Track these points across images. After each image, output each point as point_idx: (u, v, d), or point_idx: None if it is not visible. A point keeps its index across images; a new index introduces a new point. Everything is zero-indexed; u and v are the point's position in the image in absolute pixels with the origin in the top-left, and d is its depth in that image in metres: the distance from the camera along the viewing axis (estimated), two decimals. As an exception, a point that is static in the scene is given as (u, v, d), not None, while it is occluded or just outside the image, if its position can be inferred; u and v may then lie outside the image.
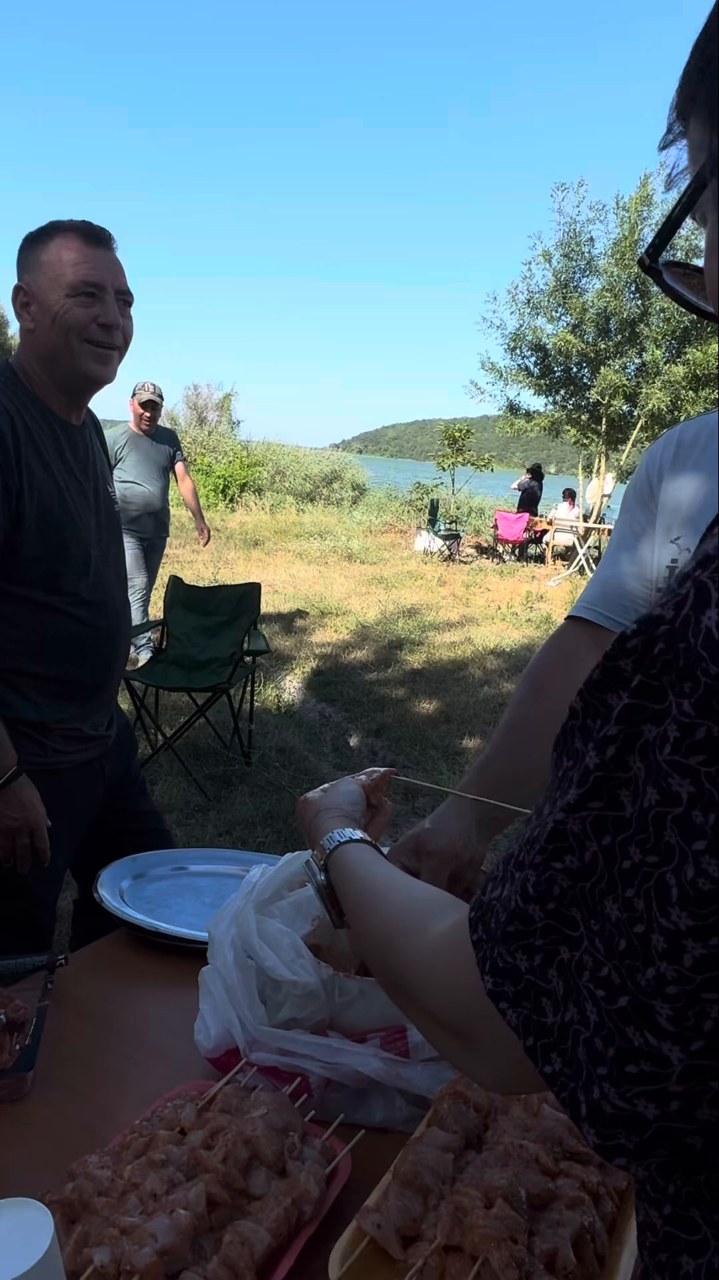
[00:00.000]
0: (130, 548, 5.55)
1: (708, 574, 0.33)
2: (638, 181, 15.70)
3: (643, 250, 0.53)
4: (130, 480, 5.73)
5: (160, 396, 5.70)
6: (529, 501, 15.09)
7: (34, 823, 1.50)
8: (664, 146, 0.47)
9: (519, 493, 15.37)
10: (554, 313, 16.72)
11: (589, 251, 16.38)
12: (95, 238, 1.50)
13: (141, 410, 5.64)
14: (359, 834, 0.79)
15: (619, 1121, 0.35)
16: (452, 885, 1.05)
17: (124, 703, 4.33)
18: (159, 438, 5.86)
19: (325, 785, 0.98)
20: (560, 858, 0.37)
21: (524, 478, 15.67)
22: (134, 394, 5.66)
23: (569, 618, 1.22)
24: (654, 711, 0.34)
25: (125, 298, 1.53)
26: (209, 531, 6.57)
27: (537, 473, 15.84)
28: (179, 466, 6.02)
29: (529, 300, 16.94)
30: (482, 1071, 0.47)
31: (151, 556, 6.13)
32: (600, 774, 0.35)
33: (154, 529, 5.95)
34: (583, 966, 0.36)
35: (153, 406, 5.63)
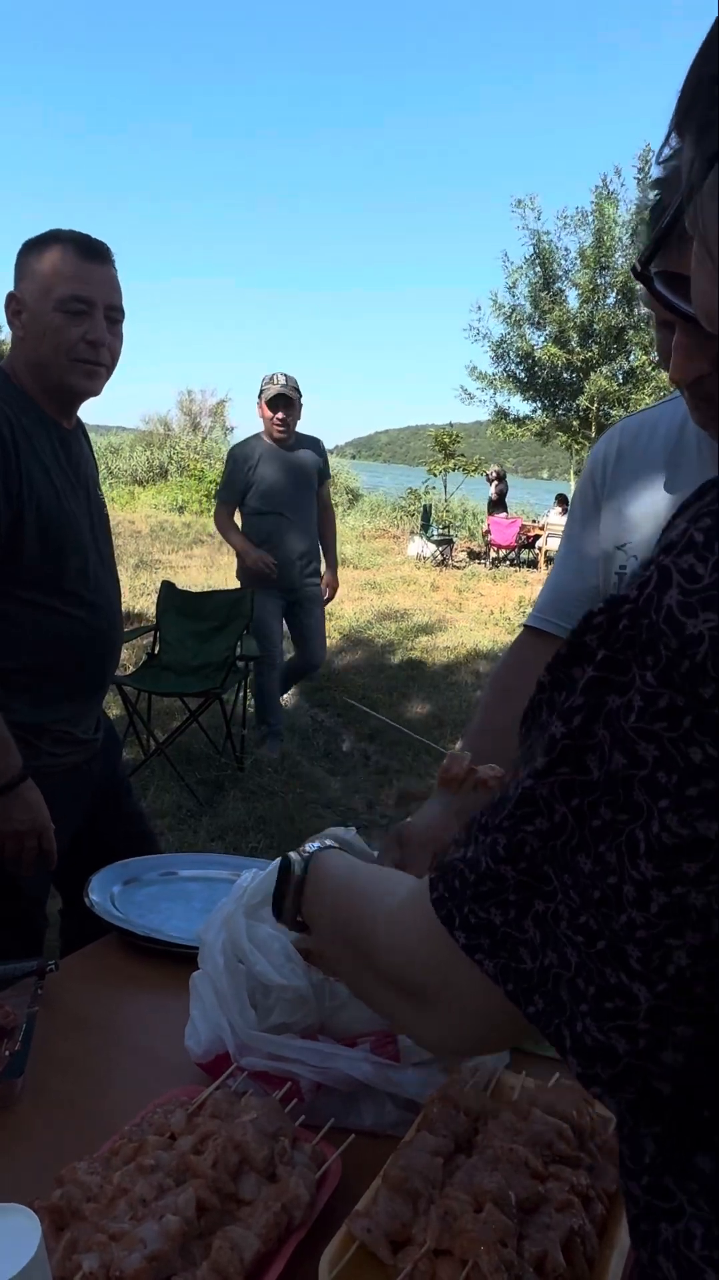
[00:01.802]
0: (275, 602, 4.47)
1: (670, 559, 0.36)
2: (591, 192, 15.83)
3: (636, 259, 0.55)
4: (265, 510, 4.35)
5: (296, 390, 4.24)
6: (499, 504, 15.28)
7: (42, 825, 1.50)
8: (663, 161, 0.50)
9: (496, 496, 15.50)
10: (538, 321, 16.84)
11: (563, 261, 16.50)
12: (91, 251, 1.49)
13: (271, 412, 4.25)
14: (331, 842, 0.83)
15: (598, 1053, 0.38)
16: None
17: (116, 708, 4.33)
18: (300, 448, 4.42)
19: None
20: (531, 821, 0.40)
21: (495, 481, 15.84)
22: (260, 392, 4.28)
23: (524, 626, 1.24)
24: (618, 683, 0.36)
25: (115, 315, 1.52)
26: (337, 582, 4.79)
27: (501, 476, 16.05)
28: (324, 488, 4.59)
29: (512, 312, 17.06)
30: (430, 1031, 0.51)
31: (303, 612, 4.57)
32: (568, 742, 0.38)
33: (299, 573, 4.50)
34: (559, 916, 0.39)
35: (285, 404, 4.22)
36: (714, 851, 0.33)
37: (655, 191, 0.88)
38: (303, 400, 4.33)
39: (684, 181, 0.46)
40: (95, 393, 1.56)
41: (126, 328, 1.58)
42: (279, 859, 1.09)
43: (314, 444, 4.49)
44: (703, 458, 1.06)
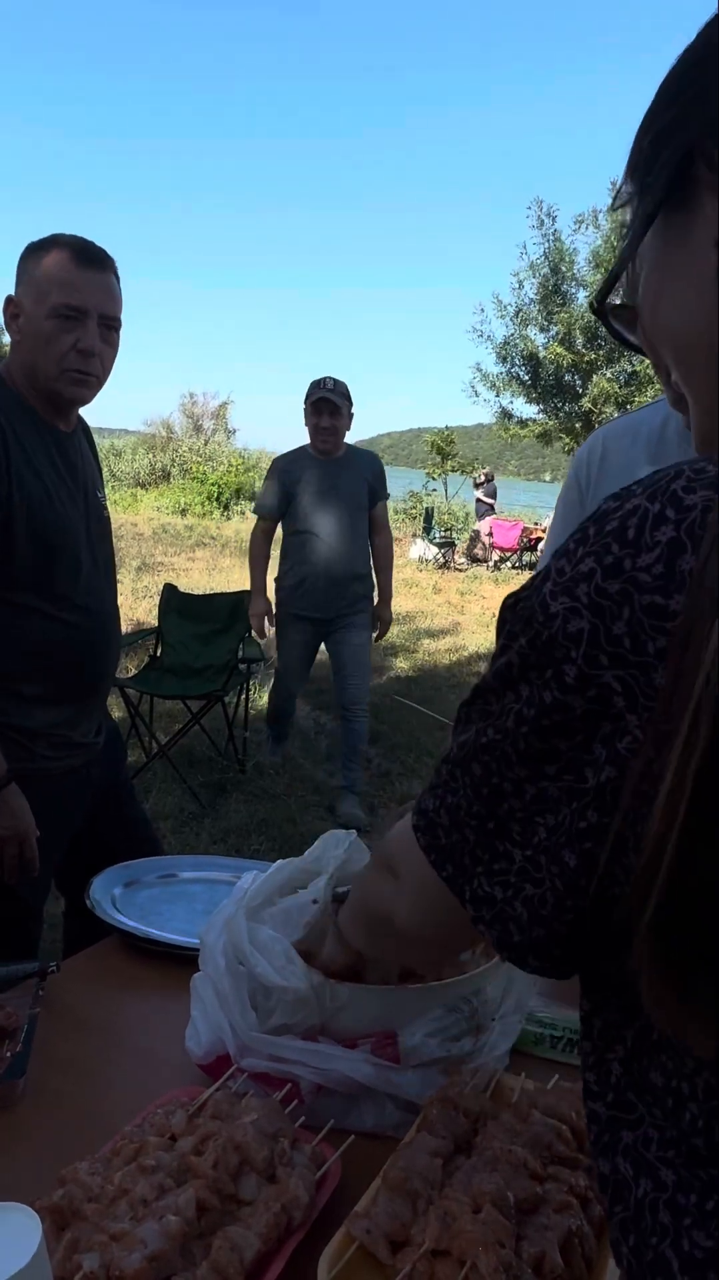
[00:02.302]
0: (305, 632, 4.09)
1: (553, 560, 0.48)
2: (609, 190, 15.88)
3: (592, 295, 0.59)
4: (303, 528, 3.93)
5: (344, 396, 3.83)
6: (489, 508, 15.31)
7: (23, 832, 1.50)
8: (615, 208, 0.58)
9: (490, 500, 15.50)
10: (544, 323, 16.87)
11: (573, 261, 16.52)
12: (89, 258, 1.48)
13: (315, 419, 3.86)
14: None
15: (485, 901, 0.51)
16: None
17: (118, 710, 4.33)
18: (350, 463, 3.96)
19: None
20: (462, 732, 0.53)
21: (484, 484, 15.85)
22: (306, 397, 3.89)
23: None
24: (511, 647, 0.49)
25: (110, 323, 1.52)
26: (390, 617, 4.29)
27: (490, 478, 16.19)
28: (379, 508, 4.05)
29: (518, 312, 17.08)
30: (401, 904, 0.63)
31: (339, 642, 4.06)
32: (481, 685, 0.52)
33: (338, 600, 3.99)
34: (459, 806, 0.52)
35: (331, 411, 3.80)
36: (563, 759, 0.47)
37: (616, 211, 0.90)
38: (352, 409, 3.92)
39: (629, 229, 0.52)
40: (85, 401, 1.56)
41: (129, 330, 1.58)
42: (280, 861, 1.11)
43: (367, 459, 4.05)
44: (683, 455, 1.08)
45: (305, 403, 3.90)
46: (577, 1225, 0.78)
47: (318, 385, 3.86)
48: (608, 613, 0.44)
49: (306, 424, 3.93)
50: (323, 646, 4.19)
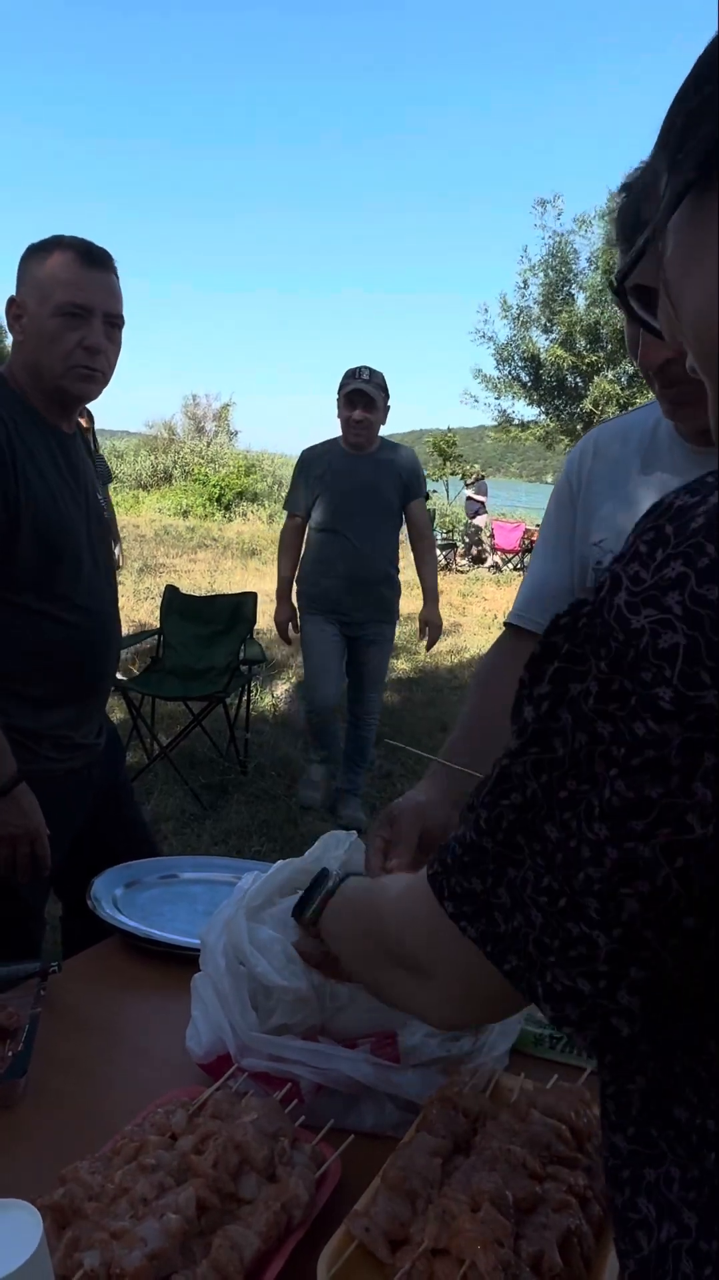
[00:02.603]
0: (331, 633, 3.76)
1: (620, 567, 0.42)
2: (607, 194, 15.91)
3: (614, 274, 0.57)
4: (326, 525, 3.67)
5: (380, 388, 3.55)
6: (480, 505, 15.34)
7: (35, 830, 1.50)
8: (624, 186, 0.51)
9: (480, 498, 15.51)
10: (546, 325, 16.88)
11: (574, 263, 16.54)
12: (92, 258, 1.51)
13: (348, 411, 3.56)
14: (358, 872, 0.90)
15: (566, 997, 0.44)
16: (423, 851, 1.07)
17: (120, 712, 4.34)
18: (383, 458, 3.66)
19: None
20: (507, 795, 0.46)
21: (474, 483, 15.87)
22: (339, 388, 3.63)
23: (505, 625, 1.27)
24: (578, 672, 0.42)
25: (114, 321, 1.54)
26: (438, 620, 3.91)
27: (480, 478, 16.20)
28: (414, 507, 3.73)
29: (519, 315, 17.09)
30: (433, 1004, 0.56)
31: (358, 652, 3.82)
32: (537, 725, 0.44)
33: (359, 606, 3.72)
34: (526, 881, 0.45)
35: (365, 403, 3.51)
36: (656, 809, 0.39)
37: (623, 194, 0.90)
38: (389, 402, 3.64)
39: (660, 205, 0.49)
40: (91, 398, 1.57)
41: (130, 332, 1.60)
42: (280, 862, 1.11)
43: (403, 455, 3.73)
44: (673, 457, 1.10)
45: (339, 393, 3.64)
46: (575, 1224, 0.78)
47: (352, 375, 3.57)
48: (707, 623, 0.38)
49: (339, 416, 3.67)
50: None
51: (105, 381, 1.57)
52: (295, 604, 3.89)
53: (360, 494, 3.61)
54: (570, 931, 0.43)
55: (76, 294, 1.48)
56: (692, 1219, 0.43)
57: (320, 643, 3.80)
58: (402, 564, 3.84)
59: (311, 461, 3.73)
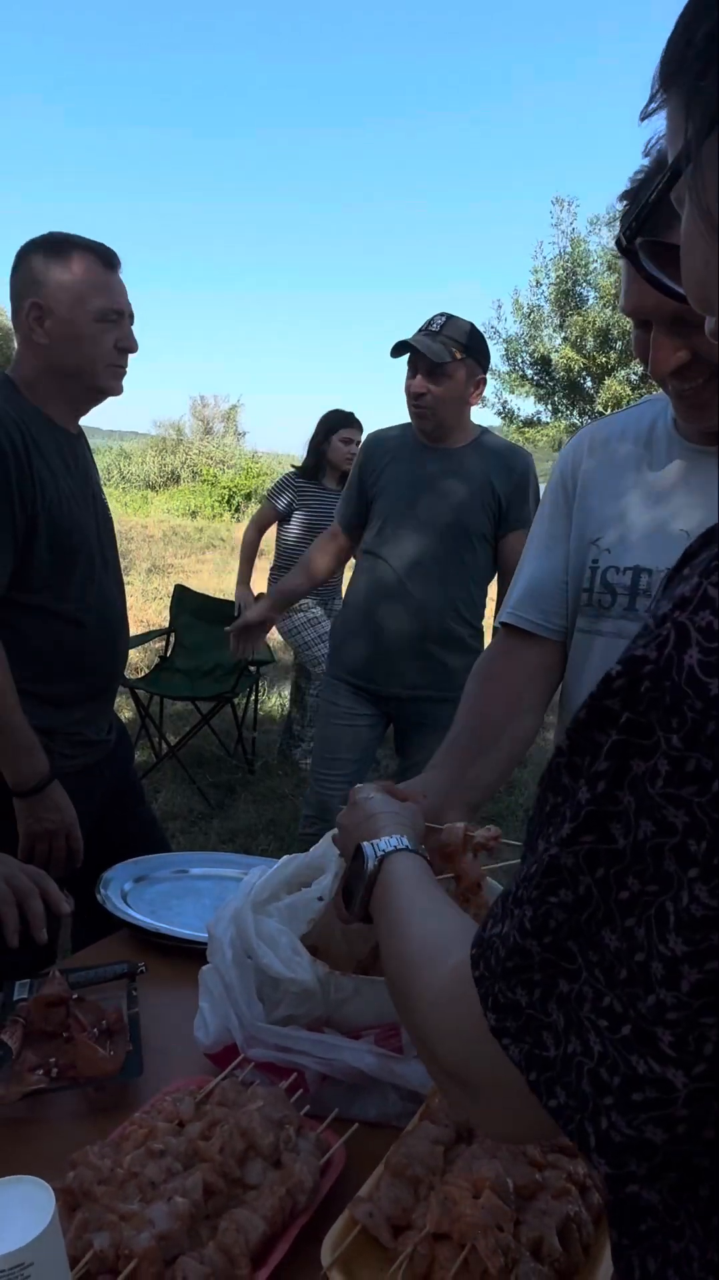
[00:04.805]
0: (357, 712, 2.51)
1: (686, 615, 0.35)
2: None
3: (620, 231, 0.52)
4: (372, 548, 2.43)
5: (457, 344, 2.27)
6: None
7: (69, 824, 1.56)
8: (645, 116, 0.46)
9: None
10: (559, 323, 16.83)
11: (587, 263, 16.48)
12: (111, 261, 1.57)
13: (409, 380, 2.31)
14: (419, 847, 0.78)
15: (628, 1149, 0.36)
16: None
17: (128, 711, 4.36)
18: (470, 459, 2.36)
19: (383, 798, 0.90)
20: (555, 891, 0.38)
21: None
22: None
23: (500, 624, 1.28)
24: (642, 747, 0.35)
25: (132, 319, 1.61)
26: None
27: None
28: (513, 541, 2.34)
29: (529, 314, 17.04)
30: (488, 1120, 0.48)
31: (412, 740, 2.52)
32: (592, 808, 0.36)
33: (411, 674, 2.43)
34: (583, 998, 0.37)
35: (429, 371, 2.26)
36: None
37: (646, 159, 0.88)
38: (484, 373, 2.38)
39: (671, 148, 0.43)
40: (120, 392, 1.65)
41: (136, 330, 1.64)
42: (286, 857, 1.13)
43: (503, 457, 2.38)
44: (672, 454, 1.10)
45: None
46: (575, 1211, 0.80)
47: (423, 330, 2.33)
48: None
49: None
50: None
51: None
52: (270, 598, 2.80)
53: (426, 507, 2.35)
54: (635, 1068, 0.35)
55: (112, 299, 1.55)
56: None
57: (334, 724, 2.56)
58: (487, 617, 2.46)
59: (376, 452, 2.46)
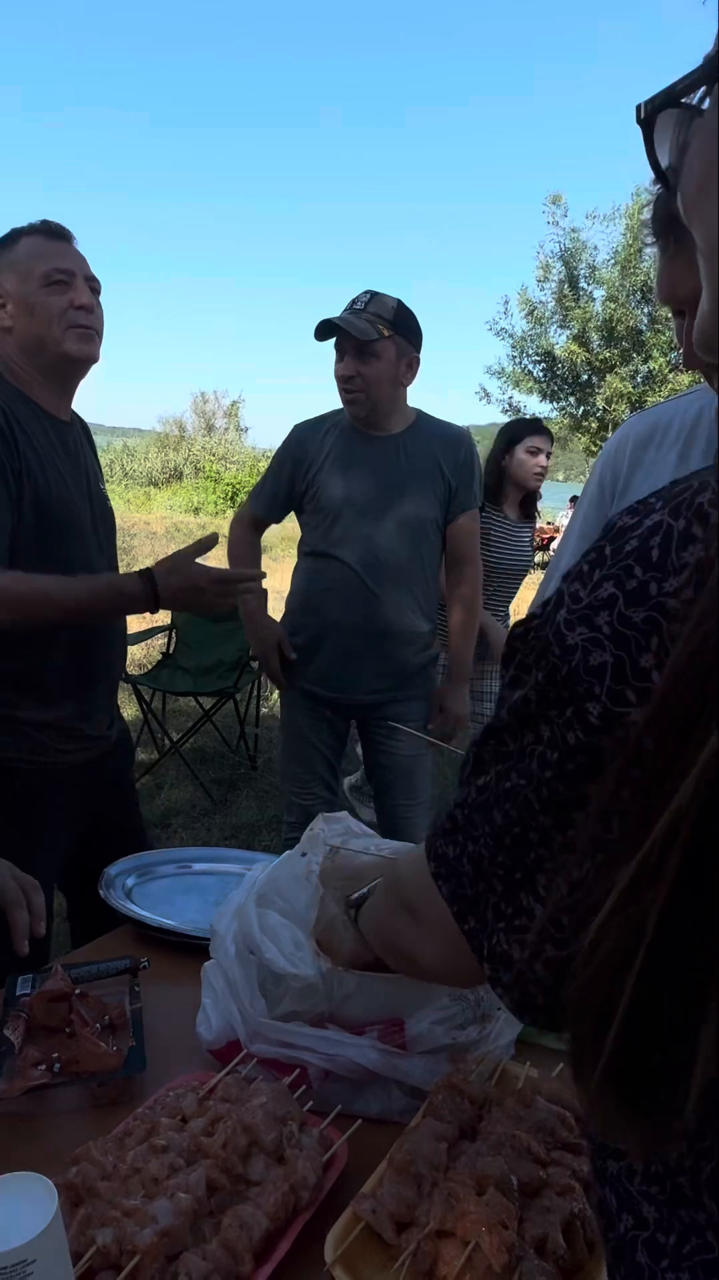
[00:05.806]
0: (308, 721, 2.44)
1: (566, 584, 0.44)
2: (632, 192, 15.80)
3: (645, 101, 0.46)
4: (319, 550, 2.30)
5: (384, 321, 2.16)
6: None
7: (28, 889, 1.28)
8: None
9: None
10: (562, 320, 16.79)
11: (591, 259, 16.45)
12: (57, 234, 1.57)
13: (337, 364, 2.23)
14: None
15: (501, 959, 0.48)
16: None
17: (131, 707, 4.36)
18: (410, 444, 2.26)
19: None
20: (475, 778, 0.50)
21: None
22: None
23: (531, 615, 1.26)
24: (525, 680, 0.46)
25: (94, 284, 1.59)
26: (462, 710, 2.47)
27: None
28: (463, 524, 2.32)
29: (533, 310, 17.02)
30: (425, 949, 0.60)
31: (378, 753, 2.45)
32: (495, 722, 0.48)
33: (372, 679, 2.33)
34: (481, 856, 0.49)
35: (355, 349, 2.17)
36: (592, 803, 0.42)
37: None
38: (417, 352, 2.23)
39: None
40: (94, 358, 1.61)
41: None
42: (288, 852, 1.13)
43: (445, 441, 2.29)
44: (713, 451, 1.08)
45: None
46: (579, 1208, 0.79)
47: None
48: (633, 644, 0.40)
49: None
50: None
51: (100, 341, 1.60)
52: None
53: (370, 497, 2.23)
54: (520, 902, 0.47)
55: (58, 261, 1.54)
56: (651, 1212, 0.43)
57: (299, 743, 2.48)
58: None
59: (304, 442, 2.31)
